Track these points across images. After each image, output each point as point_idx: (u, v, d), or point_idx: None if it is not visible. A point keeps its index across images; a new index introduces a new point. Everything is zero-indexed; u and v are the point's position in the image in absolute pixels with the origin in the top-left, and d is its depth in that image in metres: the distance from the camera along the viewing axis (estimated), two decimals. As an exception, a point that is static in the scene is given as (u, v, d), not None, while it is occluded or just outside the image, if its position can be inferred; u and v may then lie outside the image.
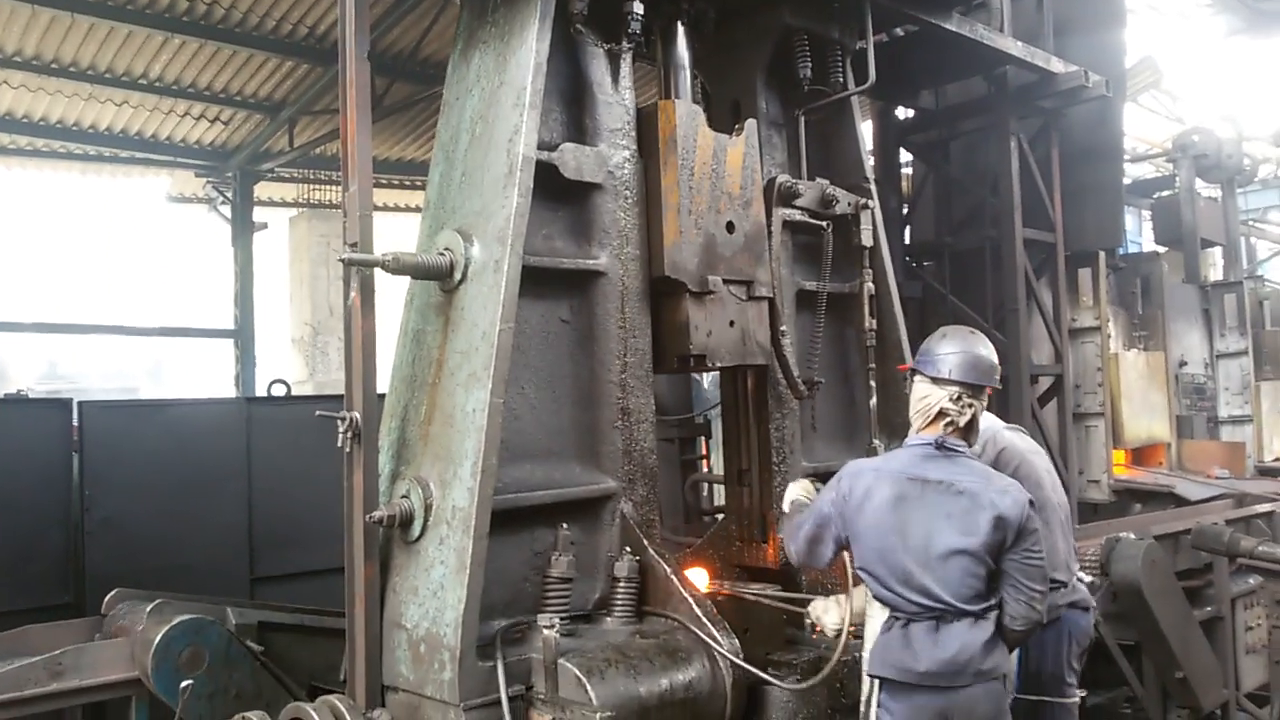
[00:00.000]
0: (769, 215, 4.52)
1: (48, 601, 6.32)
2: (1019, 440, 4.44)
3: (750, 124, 4.47)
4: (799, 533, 3.61)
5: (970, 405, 3.44)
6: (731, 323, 4.26)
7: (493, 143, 3.77)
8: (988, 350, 3.52)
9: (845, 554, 3.52)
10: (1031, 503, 3.34)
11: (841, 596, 3.72)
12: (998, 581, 3.31)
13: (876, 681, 3.33)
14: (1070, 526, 4.46)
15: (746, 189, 4.38)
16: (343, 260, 3.51)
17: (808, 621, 3.83)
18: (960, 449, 3.43)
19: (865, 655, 3.41)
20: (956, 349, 3.46)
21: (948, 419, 3.42)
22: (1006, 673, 3.35)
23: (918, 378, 3.53)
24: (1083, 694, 4.25)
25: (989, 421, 4.41)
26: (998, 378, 3.56)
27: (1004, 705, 3.31)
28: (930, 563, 3.26)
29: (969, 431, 3.48)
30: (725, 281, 4.24)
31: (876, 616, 3.38)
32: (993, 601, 3.29)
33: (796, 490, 4.02)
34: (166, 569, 6.52)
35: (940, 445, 3.40)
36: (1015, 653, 3.74)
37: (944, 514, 3.29)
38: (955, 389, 3.42)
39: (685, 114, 4.17)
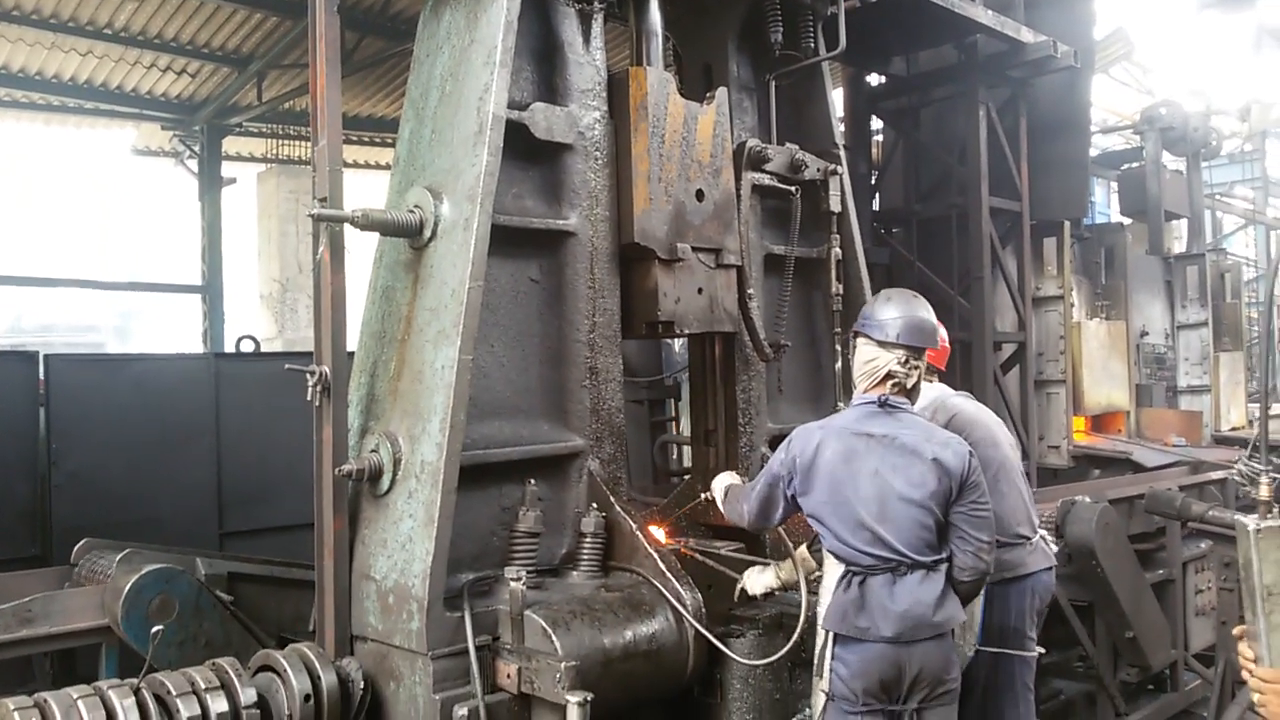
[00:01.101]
0: (738, 179, 4.56)
1: (15, 554, 6.34)
2: (968, 404, 4.54)
3: (721, 92, 4.49)
4: (751, 494, 3.71)
5: (916, 367, 3.56)
6: (700, 290, 4.31)
7: (463, 100, 3.78)
8: (928, 313, 3.64)
9: (780, 527, 3.65)
10: (972, 455, 3.45)
11: (775, 563, 3.91)
12: (946, 534, 3.42)
13: (831, 634, 3.44)
14: (1029, 484, 4.57)
15: (716, 157, 4.41)
16: (312, 216, 3.52)
17: (738, 588, 3.98)
18: (902, 405, 3.54)
19: (821, 610, 3.51)
20: (900, 313, 3.56)
21: (895, 380, 3.54)
22: (957, 625, 3.47)
23: (861, 340, 3.63)
24: (1041, 650, 4.34)
25: (938, 390, 4.54)
26: (938, 339, 3.68)
27: (953, 656, 3.43)
28: (882, 514, 3.36)
29: (913, 392, 3.60)
30: (694, 249, 4.28)
31: (832, 571, 3.47)
32: (943, 554, 3.40)
33: (726, 478, 4.11)
34: (135, 523, 6.54)
35: (883, 403, 3.51)
36: (980, 607, 3.87)
37: (890, 466, 3.40)
38: (902, 352, 3.53)
39: (656, 82, 4.19)
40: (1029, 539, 4.29)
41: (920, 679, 3.34)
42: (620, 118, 4.21)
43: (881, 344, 3.55)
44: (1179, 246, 12.02)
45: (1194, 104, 11.78)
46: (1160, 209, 10.70)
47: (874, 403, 3.53)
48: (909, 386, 3.56)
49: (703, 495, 4.31)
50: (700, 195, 4.33)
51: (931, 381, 4.57)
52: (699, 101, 4.40)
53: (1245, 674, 2.55)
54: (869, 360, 3.58)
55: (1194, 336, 11.07)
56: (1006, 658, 4.19)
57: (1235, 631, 2.61)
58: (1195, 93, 12.24)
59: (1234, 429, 11.05)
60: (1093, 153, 11.80)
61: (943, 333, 4.65)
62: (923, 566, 3.36)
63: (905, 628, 3.31)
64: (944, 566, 3.40)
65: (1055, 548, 4.50)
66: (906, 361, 3.53)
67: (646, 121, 4.13)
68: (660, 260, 4.16)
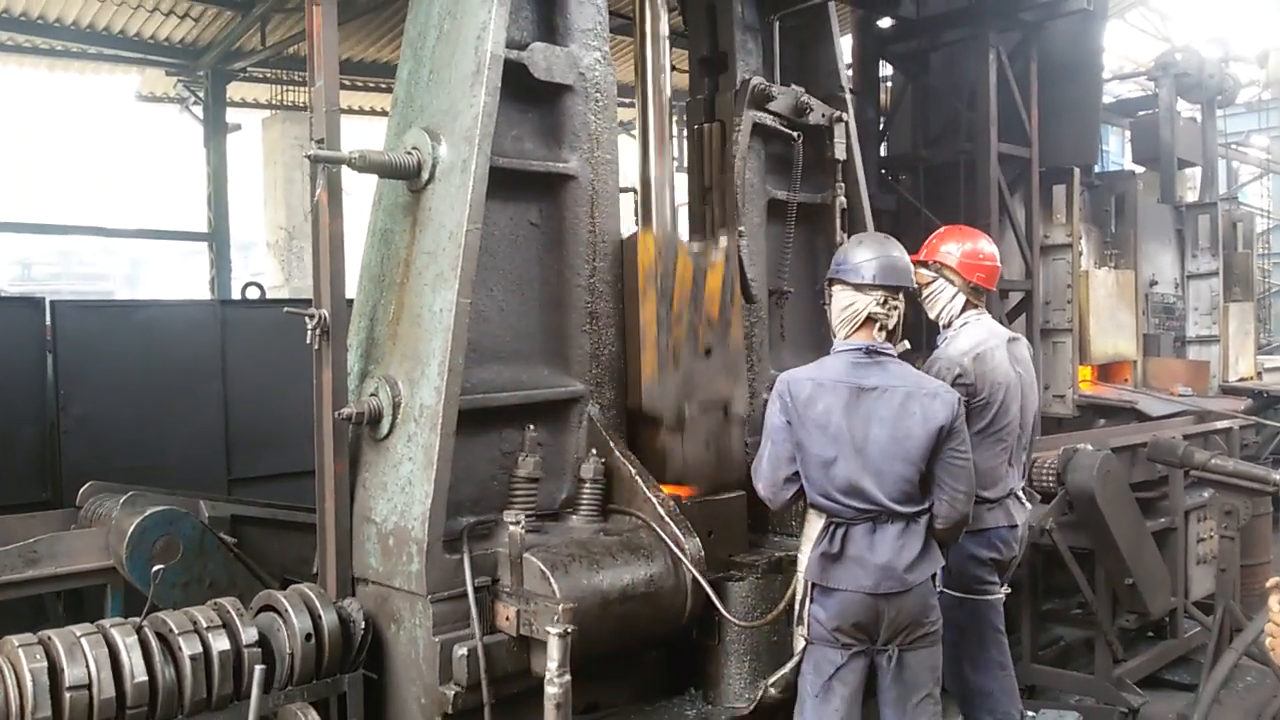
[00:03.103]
0: (739, 117, 4.51)
1: (26, 498, 6.38)
2: (1004, 357, 4.22)
3: (730, 241, 4.38)
4: (761, 464, 3.58)
5: (895, 307, 3.52)
6: (708, 445, 4.27)
7: (460, 40, 3.73)
8: (901, 252, 3.60)
9: None
10: (960, 402, 3.44)
11: None
12: (927, 484, 3.42)
13: (810, 584, 3.45)
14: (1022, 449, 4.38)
15: (725, 310, 4.32)
16: (308, 157, 3.50)
17: None
18: (889, 353, 3.50)
19: (802, 558, 3.51)
20: (874, 254, 3.52)
21: (878, 323, 3.50)
22: (935, 572, 3.49)
23: (837, 287, 3.58)
24: (1007, 591, 4.33)
25: (986, 329, 4.26)
26: (914, 278, 3.64)
27: (931, 599, 3.45)
28: (865, 466, 3.35)
29: (895, 334, 3.56)
30: (701, 406, 4.22)
31: (814, 522, 3.47)
32: (924, 505, 3.41)
33: None
34: (144, 469, 6.58)
35: (870, 351, 3.47)
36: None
37: (877, 419, 3.38)
38: (880, 293, 3.49)
39: (665, 245, 4.09)
40: (999, 499, 4.17)
41: (898, 623, 3.37)
42: (629, 277, 4.16)
43: (858, 287, 3.51)
44: (1192, 196, 11.88)
45: (1211, 51, 11.57)
46: (1173, 157, 10.55)
47: (861, 350, 3.49)
48: (891, 328, 3.53)
49: None
50: (708, 352, 4.26)
51: (979, 308, 4.32)
52: (701, 55, 4.29)
53: (1272, 626, 2.64)
54: (847, 305, 3.53)
55: (1204, 286, 10.97)
56: (968, 600, 4.21)
57: (1269, 584, 2.71)
58: (1215, 40, 11.98)
59: (1242, 379, 10.99)
60: (1108, 100, 11.63)
61: (993, 249, 4.41)
62: (903, 518, 3.36)
63: (882, 580, 3.33)
64: (925, 518, 3.41)
65: (1029, 506, 4.41)
66: (885, 302, 3.49)
67: (655, 287, 4.06)
68: (667, 426, 4.13)
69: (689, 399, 4.18)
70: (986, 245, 4.36)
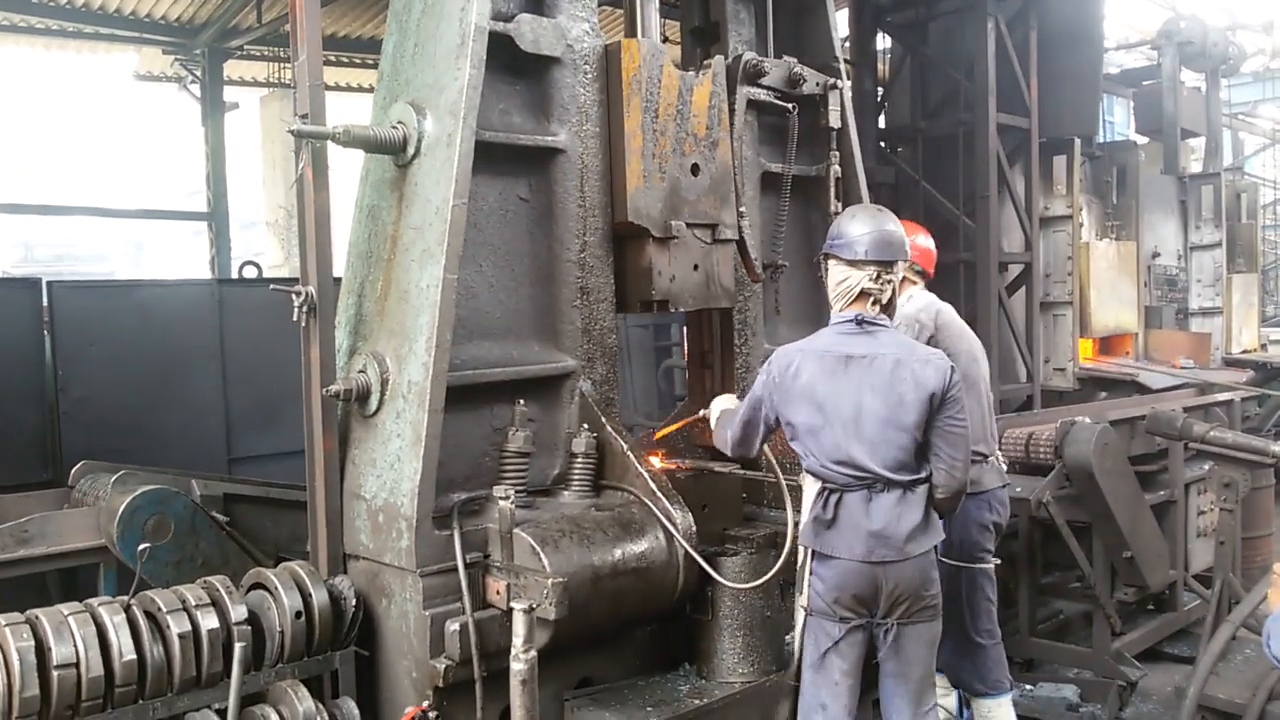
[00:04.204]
0: (732, 94, 4.46)
1: (27, 479, 6.39)
2: (956, 316, 4.64)
3: (718, 60, 4.36)
4: (734, 420, 3.71)
5: (889, 281, 3.52)
6: (695, 266, 4.24)
7: (445, 12, 3.69)
8: (896, 225, 3.59)
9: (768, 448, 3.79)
10: (953, 370, 3.42)
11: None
12: (924, 452, 3.40)
13: (809, 551, 3.45)
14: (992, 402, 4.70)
15: (713, 129, 4.28)
16: (292, 132, 3.47)
17: (701, 412, 4.15)
18: (881, 323, 3.50)
19: (801, 523, 3.52)
20: (868, 228, 3.51)
21: (871, 297, 3.50)
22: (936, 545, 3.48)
23: (832, 262, 3.58)
24: (997, 561, 4.46)
25: (929, 296, 4.66)
26: (908, 250, 3.67)
27: (931, 572, 3.43)
28: (858, 433, 3.35)
29: (889, 306, 3.56)
30: (689, 225, 4.19)
31: (810, 488, 3.47)
32: (921, 474, 3.39)
33: (724, 401, 4.09)
34: (145, 448, 6.60)
35: (860, 322, 3.47)
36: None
37: (869, 386, 3.37)
38: (873, 268, 3.48)
39: (649, 54, 4.05)
40: (986, 457, 4.41)
41: (897, 595, 3.34)
42: (612, 90, 4.08)
43: (851, 263, 3.50)
44: (1197, 167, 11.79)
45: (1216, 19, 11.44)
46: (1176, 127, 10.46)
47: (852, 321, 3.49)
48: (885, 301, 3.52)
49: (701, 413, 4.30)
50: (695, 170, 4.22)
51: (918, 285, 4.69)
52: (692, 25, 4.26)
53: None
54: (841, 280, 3.54)
55: (1207, 258, 10.90)
56: (965, 569, 4.34)
57: (1277, 568, 2.69)
58: (1219, 7, 11.86)
59: (1245, 351, 10.94)
60: (1112, 71, 11.53)
61: (928, 240, 4.88)
62: (899, 485, 3.35)
63: (876, 548, 3.32)
64: (923, 487, 3.38)
65: (1005, 466, 4.65)
66: (879, 277, 3.48)
67: (639, 96, 4.00)
68: (654, 239, 4.08)
69: (675, 214, 4.14)
70: (922, 239, 4.84)
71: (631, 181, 4.02)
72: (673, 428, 4.54)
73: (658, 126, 4.08)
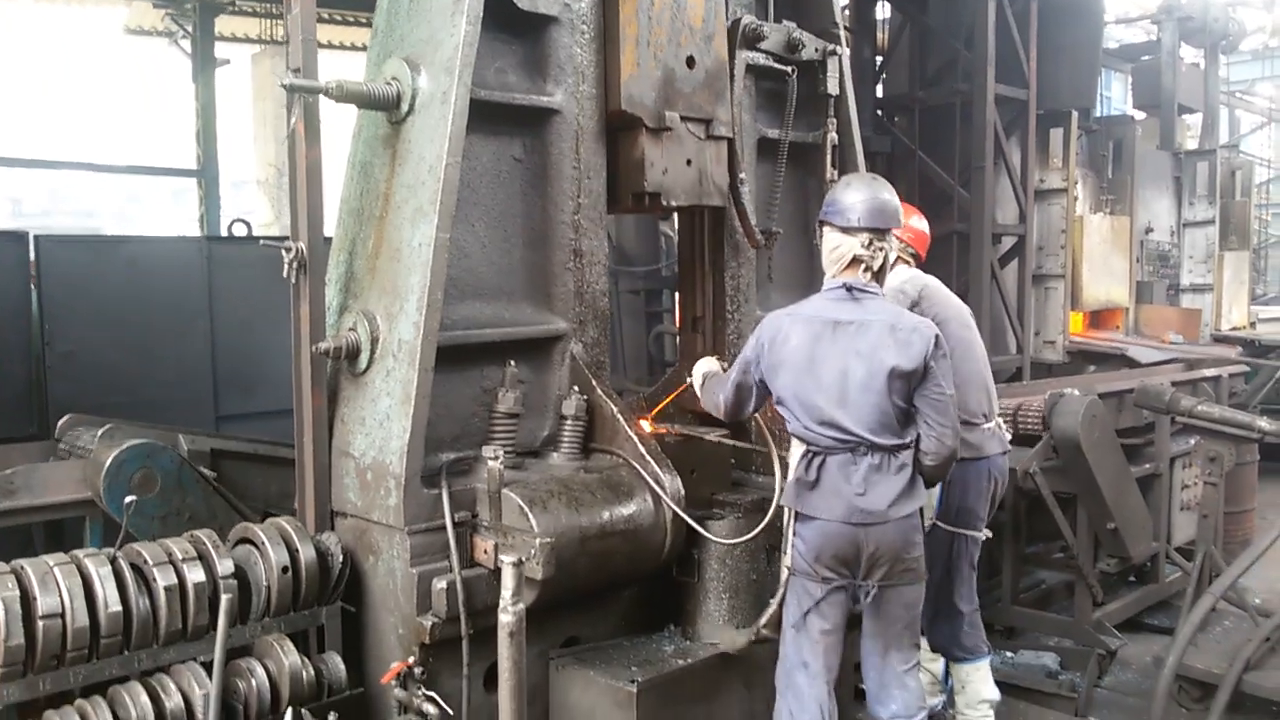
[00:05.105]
0: (731, 57, 4.41)
1: (14, 433, 6.36)
2: (941, 285, 4.67)
3: None
4: (726, 383, 3.74)
5: (881, 248, 3.54)
6: (689, 161, 4.18)
7: (441, -35, 3.63)
8: (890, 194, 3.61)
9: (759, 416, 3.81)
10: (938, 338, 3.44)
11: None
12: (909, 417, 3.43)
13: (792, 511, 3.48)
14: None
15: (708, 23, 4.23)
16: (284, 86, 3.43)
17: (686, 379, 4.18)
18: (871, 290, 3.52)
19: (786, 486, 3.55)
20: (863, 196, 3.54)
21: (863, 264, 3.52)
22: (920, 507, 3.50)
23: (827, 228, 3.61)
24: (989, 533, 4.51)
25: (913, 270, 4.70)
26: (901, 218, 3.69)
27: (914, 536, 3.46)
28: (842, 399, 3.38)
29: (881, 274, 3.58)
30: (683, 119, 4.15)
31: (796, 450, 3.51)
32: (905, 440, 3.41)
33: (705, 365, 4.10)
34: (132, 404, 6.57)
35: (850, 289, 3.50)
36: (937, 486, 3.92)
37: (854, 352, 3.40)
38: (866, 235, 3.51)
39: None
40: (988, 418, 4.45)
41: (878, 556, 3.38)
42: None
43: (845, 230, 3.53)
44: (1193, 143, 11.77)
45: (1219, -6, 11.38)
46: (1173, 102, 10.43)
47: (841, 288, 3.52)
48: (876, 269, 3.55)
49: (687, 380, 4.30)
50: (691, 62, 4.16)
51: (909, 265, 4.72)
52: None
53: None
54: (835, 247, 3.57)
55: (1200, 234, 10.92)
56: (959, 536, 4.38)
57: None
58: (1223, -16, 11.78)
59: (1234, 328, 10.99)
60: (1112, 45, 11.47)
61: (922, 221, 4.90)
62: (882, 449, 3.37)
63: (857, 510, 3.35)
64: (906, 452, 3.41)
65: (1009, 435, 4.65)
66: (871, 244, 3.51)
67: None
68: (648, 129, 4.02)
69: (669, 106, 4.10)
70: (916, 220, 4.90)
71: (626, 69, 3.96)
72: (667, 399, 4.54)
73: (653, 15, 4.02)
